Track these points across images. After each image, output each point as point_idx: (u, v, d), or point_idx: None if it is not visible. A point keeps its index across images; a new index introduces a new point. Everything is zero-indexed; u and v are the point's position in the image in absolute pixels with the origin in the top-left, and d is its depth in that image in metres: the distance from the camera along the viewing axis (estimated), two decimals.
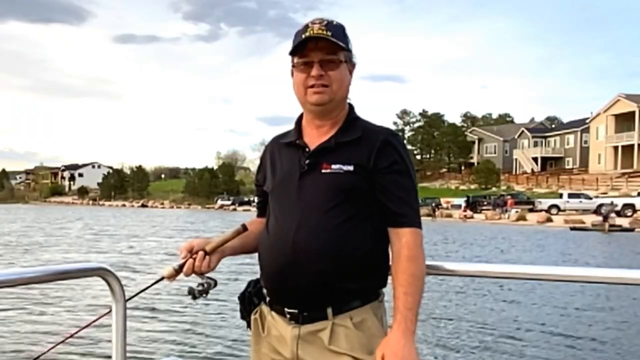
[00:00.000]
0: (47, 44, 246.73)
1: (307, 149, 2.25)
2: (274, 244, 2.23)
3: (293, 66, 2.26)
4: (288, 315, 2.20)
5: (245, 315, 2.39)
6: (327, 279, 2.11)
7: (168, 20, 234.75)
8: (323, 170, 2.19)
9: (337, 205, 2.14)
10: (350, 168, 2.16)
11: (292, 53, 2.24)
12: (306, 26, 2.21)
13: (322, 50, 2.19)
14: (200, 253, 2.25)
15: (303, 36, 2.19)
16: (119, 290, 2.35)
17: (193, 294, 2.23)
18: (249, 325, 2.38)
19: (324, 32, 2.17)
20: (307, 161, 2.22)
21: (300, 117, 2.37)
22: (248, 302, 2.37)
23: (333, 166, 2.18)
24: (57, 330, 10.16)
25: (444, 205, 68.46)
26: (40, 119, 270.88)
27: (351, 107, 2.34)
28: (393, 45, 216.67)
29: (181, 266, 2.26)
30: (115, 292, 2.35)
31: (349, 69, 2.29)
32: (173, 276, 2.28)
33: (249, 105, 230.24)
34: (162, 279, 2.31)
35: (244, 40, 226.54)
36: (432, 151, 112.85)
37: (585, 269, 2.29)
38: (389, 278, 2.24)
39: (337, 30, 2.22)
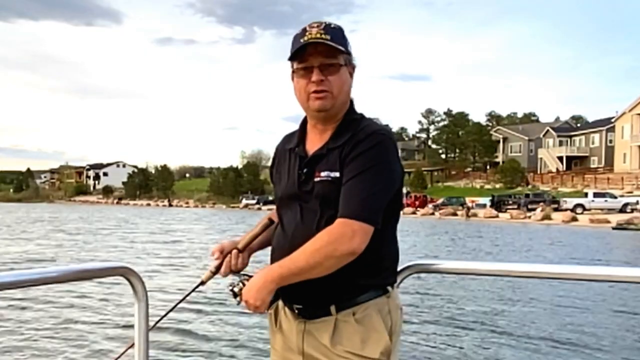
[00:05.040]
0: (78, 46, 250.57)
1: (304, 158, 2.27)
2: (279, 247, 2.27)
3: (293, 72, 2.25)
4: (296, 311, 2.25)
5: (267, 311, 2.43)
6: (329, 277, 2.10)
7: (201, 25, 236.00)
8: (316, 179, 2.20)
9: (332, 209, 2.13)
10: (337, 174, 2.16)
11: (292, 59, 2.22)
12: (304, 30, 2.19)
13: (322, 55, 2.17)
14: (234, 251, 2.31)
15: (301, 41, 2.16)
16: (142, 290, 2.34)
17: (235, 292, 2.17)
18: None
19: (323, 36, 2.15)
20: (304, 170, 2.24)
21: (305, 120, 2.37)
22: None
23: (322, 174, 2.19)
24: (83, 329, 10.19)
25: (469, 205, 68.29)
26: (68, 119, 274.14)
27: (350, 105, 2.31)
28: (421, 47, 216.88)
29: (217, 267, 2.30)
30: (138, 292, 2.34)
31: (349, 72, 2.28)
32: (210, 278, 2.33)
33: (276, 105, 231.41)
34: (202, 283, 2.35)
35: (277, 43, 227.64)
36: (457, 150, 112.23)
37: (596, 268, 2.28)
38: (398, 277, 2.33)
39: (336, 33, 2.20)
